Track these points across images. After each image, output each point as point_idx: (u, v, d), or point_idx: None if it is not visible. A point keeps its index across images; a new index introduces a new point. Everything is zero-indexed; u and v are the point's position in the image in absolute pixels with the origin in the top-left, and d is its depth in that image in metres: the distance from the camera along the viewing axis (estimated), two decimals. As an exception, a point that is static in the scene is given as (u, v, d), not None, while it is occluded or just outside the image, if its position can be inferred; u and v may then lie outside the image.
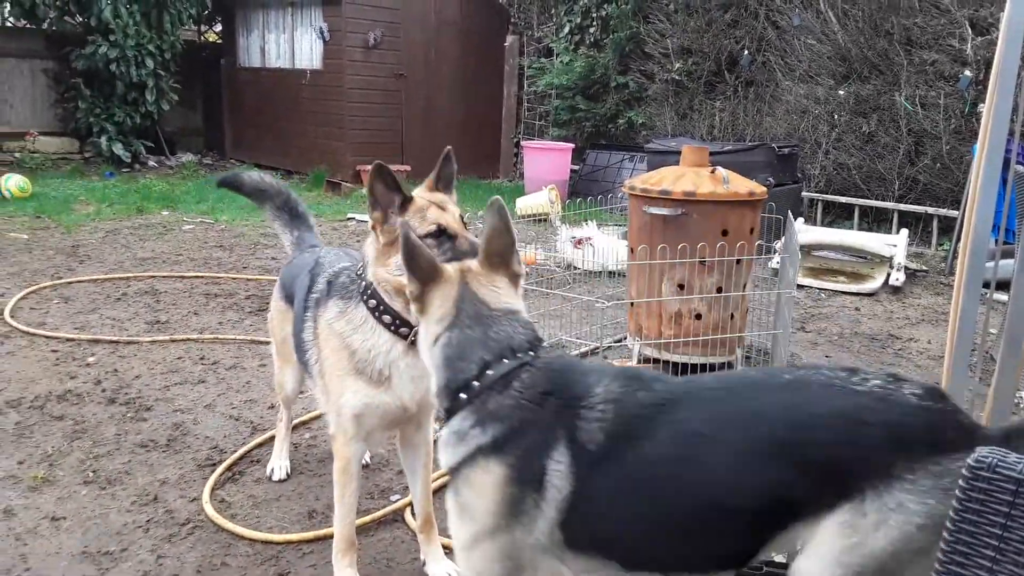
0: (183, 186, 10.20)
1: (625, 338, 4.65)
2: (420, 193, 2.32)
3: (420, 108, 11.71)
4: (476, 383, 1.64)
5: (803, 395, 1.53)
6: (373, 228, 2.23)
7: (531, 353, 1.66)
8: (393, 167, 9.41)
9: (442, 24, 11.76)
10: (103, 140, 11.23)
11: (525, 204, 8.96)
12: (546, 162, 10.42)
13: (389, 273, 2.17)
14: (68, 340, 4.52)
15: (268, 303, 5.53)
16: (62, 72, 11.51)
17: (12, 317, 4.84)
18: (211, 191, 9.77)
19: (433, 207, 2.23)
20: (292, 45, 11.79)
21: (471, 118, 12.20)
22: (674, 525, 1.53)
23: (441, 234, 2.16)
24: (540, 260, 6.67)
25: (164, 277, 6.01)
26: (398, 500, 2.99)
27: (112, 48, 10.81)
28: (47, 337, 4.54)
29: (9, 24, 12.13)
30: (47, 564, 2.52)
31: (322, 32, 11.04)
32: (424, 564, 2.55)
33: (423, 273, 1.73)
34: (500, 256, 1.77)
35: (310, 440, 3.51)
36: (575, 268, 6.42)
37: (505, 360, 1.64)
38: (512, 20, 12.68)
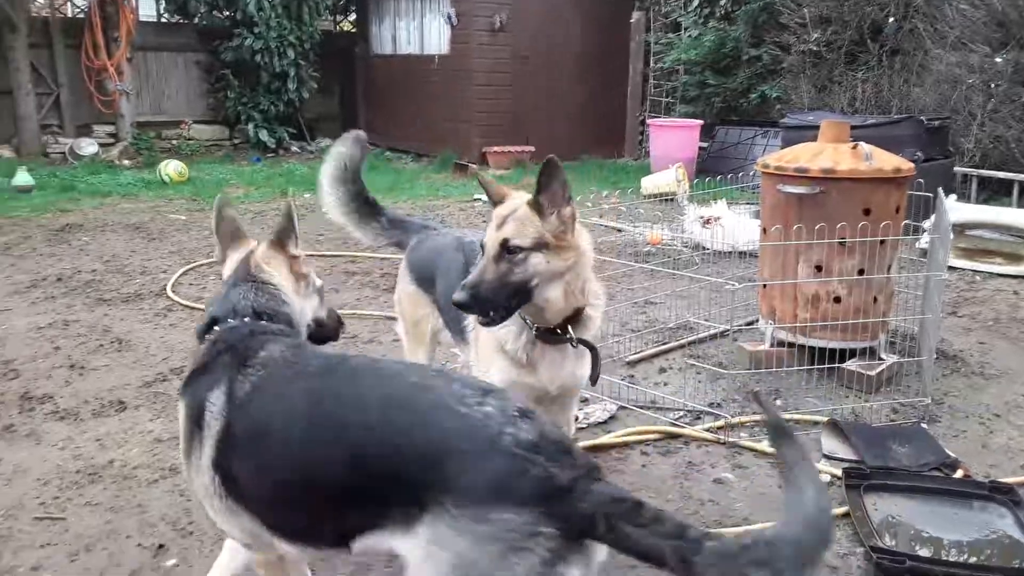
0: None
1: (757, 321, 4.52)
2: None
3: (543, 89, 11.73)
4: (206, 334, 1.91)
5: (412, 399, 1.55)
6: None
7: (246, 319, 1.90)
8: (516, 148, 9.48)
9: (565, 3, 11.71)
10: (250, 127, 11.98)
11: (651, 183, 8.82)
12: (673, 140, 10.21)
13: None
14: (222, 314, 4.88)
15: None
16: (212, 64, 12.33)
17: (174, 292, 5.28)
18: (346, 174, 10.20)
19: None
20: (421, 31, 12.08)
21: (595, 97, 12.11)
22: (277, 488, 1.63)
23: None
24: (666, 240, 6.58)
25: (306, 256, 6.35)
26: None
27: (256, 40, 11.48)
28: (203, 310, 4.92)
29: (164, 20, 13.07)
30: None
31: (449, 17, 11.25)
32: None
33: (227, 240, 2.15)
34: (279, 238, 2.08)
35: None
36: (703, 248, 6.28)
37: (229, 320, 1.90)
38: (639, -4, 12.45)
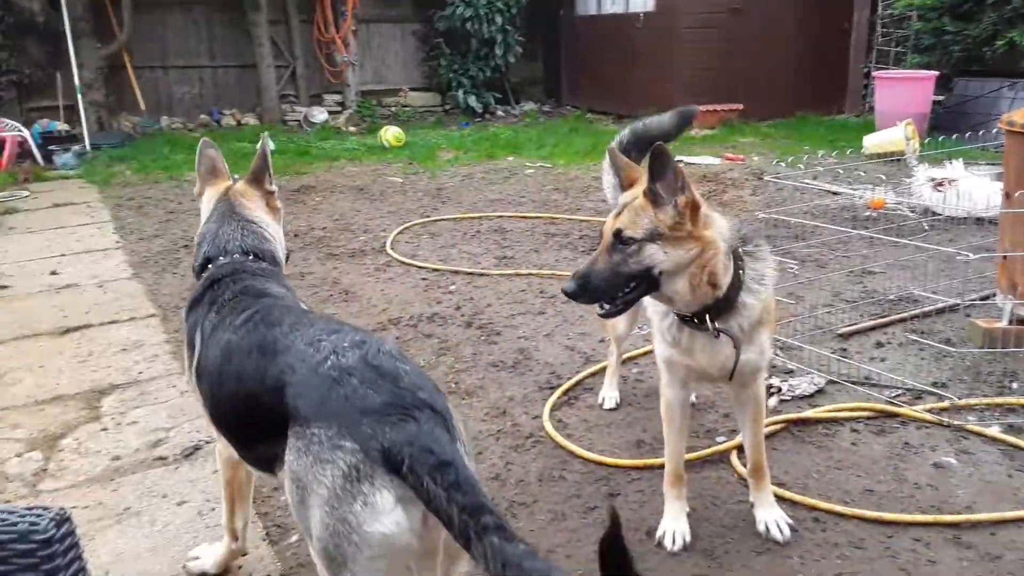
0: (525, 133, 10.96)
1: (993, 295, 4.08)
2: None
3: (756, 43, 11.11)
4: (203, 272, 2.19)
5: (273, 344, 1.78)
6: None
7: (235, 256, 2.18)
8: (724, 107, 9.13)
9: (785, -51, 10.96)
10: (460, 93, 12.49)
11: (875, 142, 8.13)
12: (903, 94, 9.31)
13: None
14: (434, 270, 5.22)
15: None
16: (427, 33, 12.95)
17: (392, 249, 5.71)
18: (549, 137, 10.38)
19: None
20: (628, -11, 11.88)
21: (813, 49, 11.28)
22: (213, 416, 1.97)
23: None
24: (890, 204, 6.07)
25: (510, 217, 6.58)
26: (723, 442, 3.02)
27: (467, 8, 11.89)
28: (418, 267, 5.28)
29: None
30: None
31: (658, -28, 10.94)
32: (752, 507, 2.57)
33: (206, 176, 2.43)
34: (255, 176, 2.37)
35: (637, 375, 3.66)
36: (933, 214, 5.73)
37: (220, 258, 2.17)
38: (868, -64, 11.36)
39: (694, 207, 2.10)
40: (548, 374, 3.67)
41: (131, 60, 11.13)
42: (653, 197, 2.09)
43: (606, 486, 2.78)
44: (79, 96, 9.86)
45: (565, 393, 3.48)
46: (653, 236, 2.09)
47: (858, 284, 4.72)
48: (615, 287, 2.14)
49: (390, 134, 10.09)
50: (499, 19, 12.14)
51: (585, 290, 2.14)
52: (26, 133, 9.47)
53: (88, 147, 9.69)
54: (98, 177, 8.43)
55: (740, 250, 2.22)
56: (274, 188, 2.40)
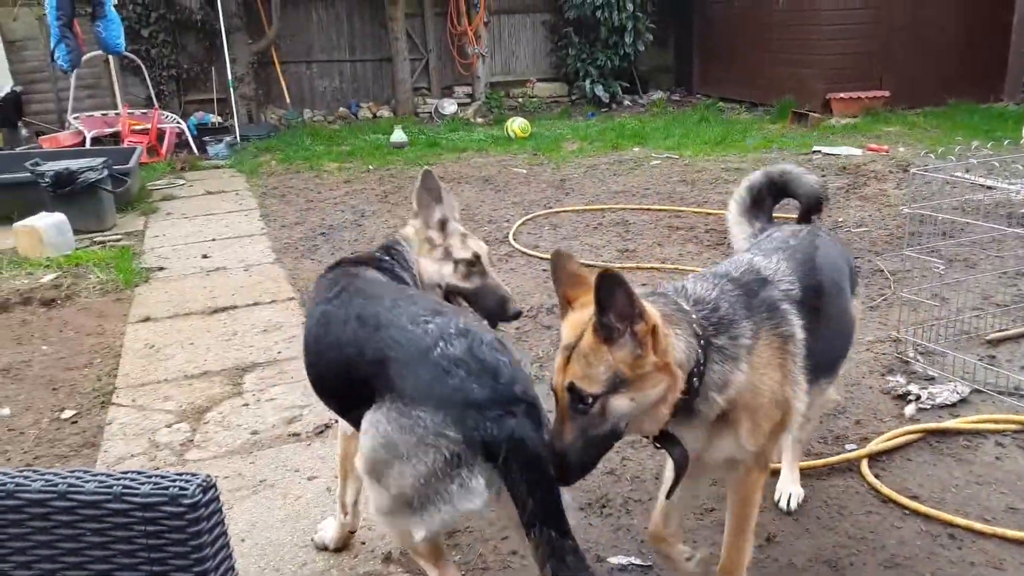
0: (653, 123, 10.78)
1: None
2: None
3: (906, 24, 10.40)
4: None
5: (375, 318, 1.95)
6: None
7: (376, 254, 2.39)
8: (867, 93, 8.63)
9: (942, -78, 10.19)
10: (587, 83, 12.44)
11: (1038, 132, 7.45)
12: (1074, 79, 8.47)
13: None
14: (555, 262, 5.24)
15: (726, 238, 5.63)
16: (556, 23, 12.96)
17: (514, 240, 5.78)
18: (677, 127, 10.16)
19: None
20: (766, -29, 11.40)
21: (969, 30, 10.44)
22: (318, 380, 2.18)
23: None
24: (1054, 200, 5.55)
25: (633, 209, 6.52)
26: (853, 450, 2.89)
27: (598, -5, 11.80)
28: (540, 258, 5.33)
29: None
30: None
31: (799, -47, 10.45)
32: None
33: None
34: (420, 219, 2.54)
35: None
36: (1105, 211, 5.20)
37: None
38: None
39: (654, 332, 1.70)
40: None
41: (278, 56, 11.80)
42: (606, 333, 1.67)
43: (722, 488, 2.72)
44: (231, 90, 10.56)
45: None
46: (615, 385, 1.68)
47: (1011, 287, 4.37)
48: (597, 453, 1.76)
49: (516, 125, 10.19)
50: (630, 6, 11.98)
51: (572, 473, 1.75)
52: (183, 125, 10.25)
53: (238, 138, 10.37)
54: (246, 167, 9.01)
55: (708, 349, 1.83)
56: (431, 232, 2.48)
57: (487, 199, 7.12)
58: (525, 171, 8.26)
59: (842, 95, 10.23)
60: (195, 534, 1.67)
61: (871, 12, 10.35)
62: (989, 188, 6.23)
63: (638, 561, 2.38)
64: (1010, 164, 6.32)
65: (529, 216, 6.38)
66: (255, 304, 4.77)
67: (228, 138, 10.19)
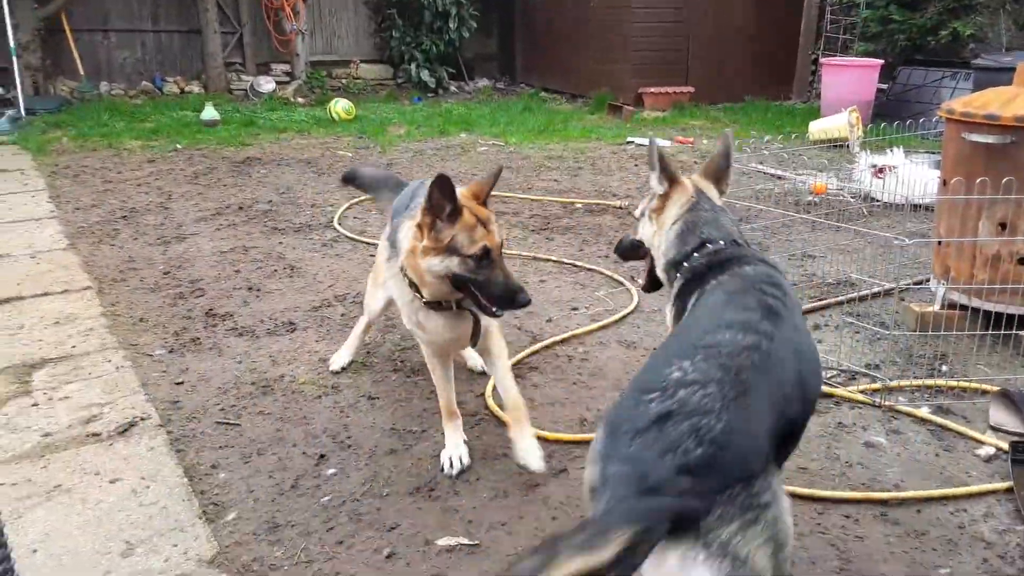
0: (479, 110, 10.87)
1: (927, 280, 4.21)
2: (468, 204, 2.51)
3: (708, 26, 11.21)
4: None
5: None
6: (419, 227, 2.49)
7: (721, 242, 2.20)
8: (675, 89, 9.18)
9: (740, -68, 11.03)
10: (412, 67, 12.32)
11: (819, 127, 8.28)
12: (848, 81, 9.50)
13: (421, 266, 2.50)
14: (381, 247, 5.16)
15: (550, 223, 5.79)
16: (379, 4, 12.70)
17: (339, 224, 5.62)
18: (502, 115, 10.32)
19: (480, 227, 2.47)
20: (584, -34, 11.82)
21: (763, 34, 11.44)
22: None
23: (485, 256, 2.46)
24: (832, 189, 6.21)
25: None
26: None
27: (422, -21, 11.70)
28: (366, 243, 5.22)
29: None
30: (363, 434, 2.98)
31: (614, -49, 10.91)
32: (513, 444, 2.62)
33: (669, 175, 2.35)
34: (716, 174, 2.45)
35: (583, 354, 3.69)
36: (873, 200, 5.88)
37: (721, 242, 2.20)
38: (820, -77, 11.50)
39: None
40: (494, 352, 3.67)
41: (70, 23, 10.68)
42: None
43: (548, 463, 2.79)
44: (14, 59, 9.45)
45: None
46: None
47: (798, 267, 4.83)
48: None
49: (340, 107, 9.90)
50: (454, -8, 11.98)
51: None
52: (-45, 95, 9.04)
53: (23, 112, 9.31)
54: (32, 143, 8.10)
55: None
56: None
57: (309, 182, 6.87)
58: (351, 155, 8.04)
59: (652, 90, 10.84)
60: (-32, 550, 1.48)
61: (676, 12, 11.03)
62: (779, 178, 6.85)
63: (466, 541, 2.39)
64: (798, 157, 6.99)
65: (355, 200, 6.22)
66: (45, 294, 4.30)
67: (11, 111, 9.13)
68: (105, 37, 11.28)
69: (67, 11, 10.60)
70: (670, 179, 2.34)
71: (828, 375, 3.44)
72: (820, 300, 4.27)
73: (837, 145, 7.37)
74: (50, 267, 4.72)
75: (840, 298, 4.25)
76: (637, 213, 2.50)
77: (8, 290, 4.33)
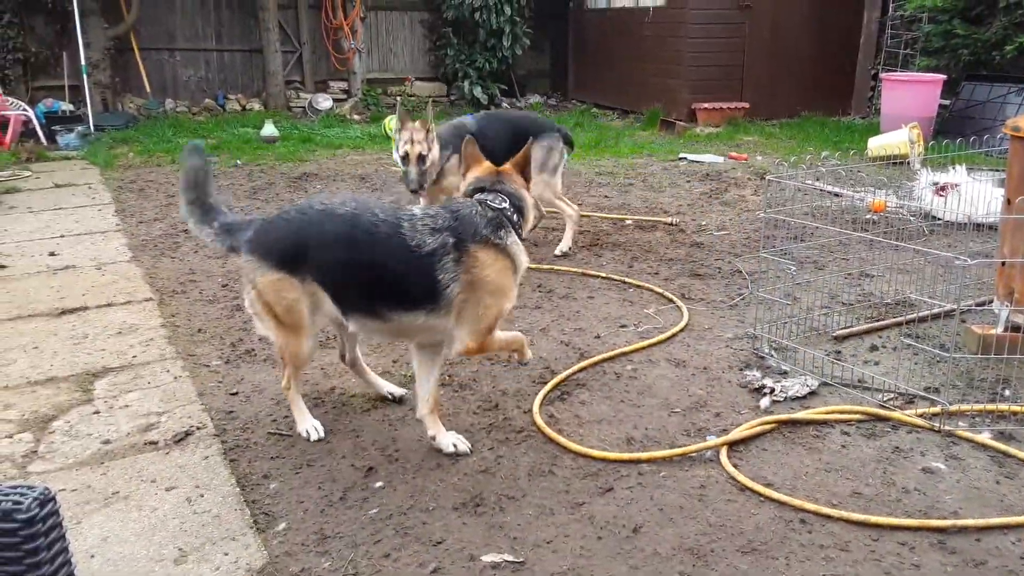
0: (530, 125, 10.91)
1: (990, 302, 4.07)
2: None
3: (765, 41, 11.08)
4: None
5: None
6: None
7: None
8: (729, 105, 9.12)
9: (797, -53, 10.91)
10: (465, 84, 12.47)
11: (879, 144, 8.10)
12: (909, 97, 9.27)
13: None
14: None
15: (600, 239, 5.76)
16: (435, 22, 12.91)
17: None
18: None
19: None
20: (637, -17, 11.83)
21: (821, 49, 11.25)
22: None
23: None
24: (891, 207, 6.06)
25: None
26: (712, 440, 3.02)
27: (476, -3, 11.86)
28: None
29: (394, -19, 13.81)
30: (411, 448, 3.01)
31: (668, -33, 10.90)
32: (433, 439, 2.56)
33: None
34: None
35: (631, 371, 3.66)
36: (935, 219, 5.72)
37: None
38: (880, -64, 11.29)
39: None
40: (542, 368, 3.68)
41: (138, 41, 11.12)
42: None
43: (595, 482, 2.78)
44: (84, 76, 9.86)
45: (556, 387, 3.48)
46: None
47: (856, 287, 4.72)
48: None
49: (394, 123, 10.05)
50: (507, 9, 12.10)
51: None
52: (30, 112, 9.47)
53: (92, 128, 9.69)
54: (100, 159, 8.43)
55: None
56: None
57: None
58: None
59: (706, 105, 10.75)
60: (32, 551, 1.54)
61: (732, 28, 10.93)
62: (837, 195, 6.71)
63: (511, 558, 2.39)
64: (856, 173, 6.84)
65: (406, 215, 6.29)
66: (108, 305, 4.46)
67: (80, 128, 9.51)
68: (171, 56, 11.70)
69: (136, 31, 11.04)
70: None
71: (885, 398, 3.34)
72: (878, 321, 4.16)
73: (897, 162, 7.20)
74: (114, 278, 4.89)
75: (899, 319, 4.13)
76: None
77: (74, 300, 4.50)
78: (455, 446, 2.96)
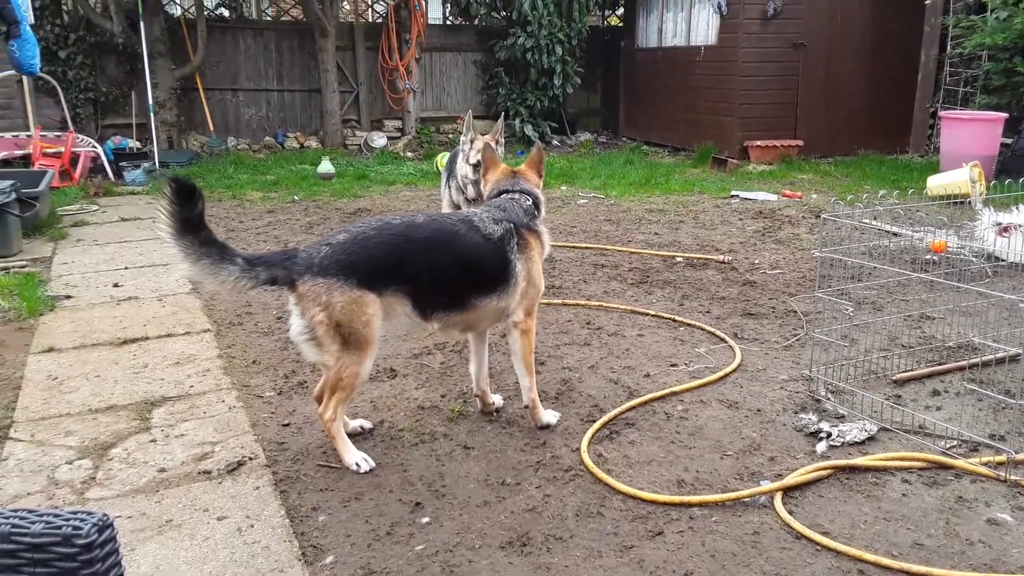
0: (580, 163, 10.99)
1: (1059, 346, 3.91)
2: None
3: (819, 79, 11.00)
4: None
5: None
6: None
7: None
8: (783, 143, 9.07)
9: (852, -15, 10.86)
10: (517, 122, 12.63)
11: (939, 183, 7.92)
12: (969, 135, 9.07)
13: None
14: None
15: (649, 276, 5.73)
16: (488, 62, 13.16)
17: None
18: (604, 168, 10.39)
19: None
20: (689, 23, 11.89)
21: (877, 86, 11.12)
22: None
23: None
24: (952, 247, 5.89)
25: (560, 247, 6.59)
26: (766, 485, 2.95)
27: (528, 38, 12.07)
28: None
29: (448, 22, 14.15)
30: (458, 484, 3.00)
31: (719, 6, 10.94)
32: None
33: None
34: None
35: (682, 412, 3.61)
36: (998, 259, 5.54)
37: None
38: (938, -26, 11.16)
39: None
40: (590, 407, 3.64)
41: (203, 82, 11.57)
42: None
43: (645, 525, 2.73)
44: (151, 115, 10.28)
45: (605, 426, 3.44)
46: None
47: (916, 329, 4.59)
48: None
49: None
50: (559, 50, 12.27)
51: None
52: (99, 149, 9.90)
53: (157, 164, 10.06)
54: (165, 194, 8.72)
55: None
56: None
57: (414, 233, 7.08)
58: (453, 206, 8.26)
59: (759, 143, 10.67)
60: (89, 577, 1.57)
61: (786, 66, 10.89)
62: (895, 235, 6.57)
63: (558, 600, 2.35)
64: (914, 212, 6.69)
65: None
66: (168, 335, 4.59)
67: (146, 164, 9.88)
68: (234, 96, 12.14)
69: (201, 72, 11.50)
70: None
71: (948, 445, 3.22)
72: (939, 364, 4.03)
73: (957, 201, 7.02)
74: (174, 309, 5.04)
75: (961, 363, 4.00)
76: None
77: (136, 331, 4.64)
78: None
